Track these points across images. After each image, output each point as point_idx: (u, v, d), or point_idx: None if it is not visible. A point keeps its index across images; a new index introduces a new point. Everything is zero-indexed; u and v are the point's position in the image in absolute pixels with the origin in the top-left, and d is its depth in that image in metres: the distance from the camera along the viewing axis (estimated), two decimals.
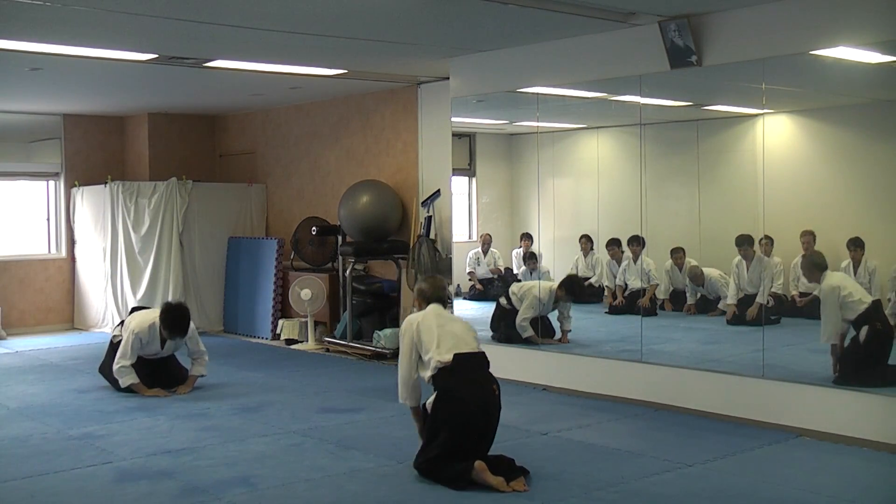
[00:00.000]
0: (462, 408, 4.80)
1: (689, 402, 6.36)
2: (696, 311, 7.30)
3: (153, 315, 7.25)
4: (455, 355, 4.88)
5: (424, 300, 5.21)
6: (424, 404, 5.06)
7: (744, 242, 6.72)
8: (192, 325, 7.33)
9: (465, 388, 4.84)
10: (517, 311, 7.72)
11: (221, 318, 11.07)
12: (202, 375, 7.49)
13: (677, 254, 7.40)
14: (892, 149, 5.76)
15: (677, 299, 7.39)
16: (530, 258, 8.11)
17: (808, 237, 6.28)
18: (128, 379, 7.16)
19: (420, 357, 5.03)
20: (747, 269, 6.80)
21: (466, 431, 4.81)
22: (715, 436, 5.78)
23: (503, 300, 7.91)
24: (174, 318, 7.15)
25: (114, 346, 7.41)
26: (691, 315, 7.31)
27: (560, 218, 7.99)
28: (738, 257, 6.80)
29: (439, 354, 4.90)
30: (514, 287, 7.88)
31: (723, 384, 6.22)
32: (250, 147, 11.62)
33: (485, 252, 8.81)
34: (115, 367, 7.19)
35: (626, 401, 6.70)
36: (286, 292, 10.05)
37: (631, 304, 7.48)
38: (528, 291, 7.67)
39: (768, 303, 6.46)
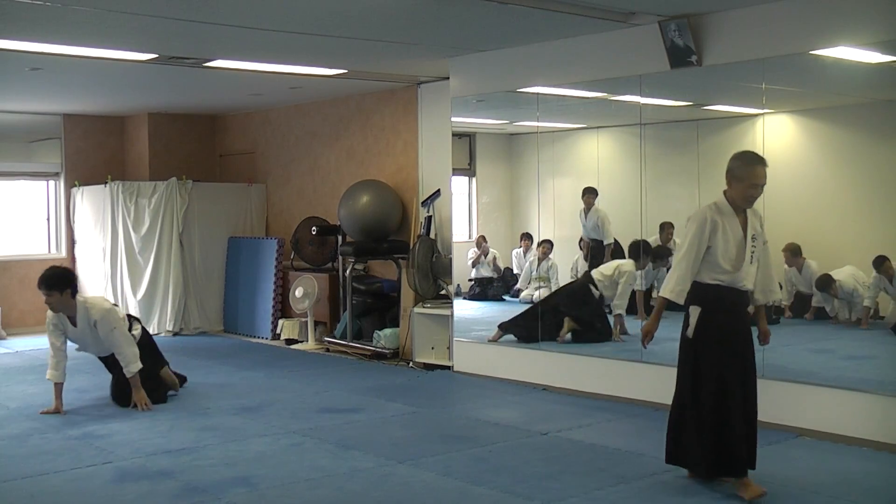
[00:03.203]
0: None
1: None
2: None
3: None
4: None
5: None
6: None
7: None
8: (110, 312, 6.57)
9: None
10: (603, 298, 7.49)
11: (221, 318, 11.07)
12: (132, 374, 6.59)
13: None
14: (892, 149, 5.76)
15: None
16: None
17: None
18: (48, 373, 6.57)
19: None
20: None
21: None
22: None
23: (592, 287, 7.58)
24: (43, 273, 6.39)
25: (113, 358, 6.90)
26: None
27: (560, 218, 7.98)
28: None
29: None
30: (596, 273, 7.58)
31: None
32: (250, 147, 11.62)
33: (484, 253, 8.81)
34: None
35: (626, 401, 6.70)
36: (286, 292, 10.05)
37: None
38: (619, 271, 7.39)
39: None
